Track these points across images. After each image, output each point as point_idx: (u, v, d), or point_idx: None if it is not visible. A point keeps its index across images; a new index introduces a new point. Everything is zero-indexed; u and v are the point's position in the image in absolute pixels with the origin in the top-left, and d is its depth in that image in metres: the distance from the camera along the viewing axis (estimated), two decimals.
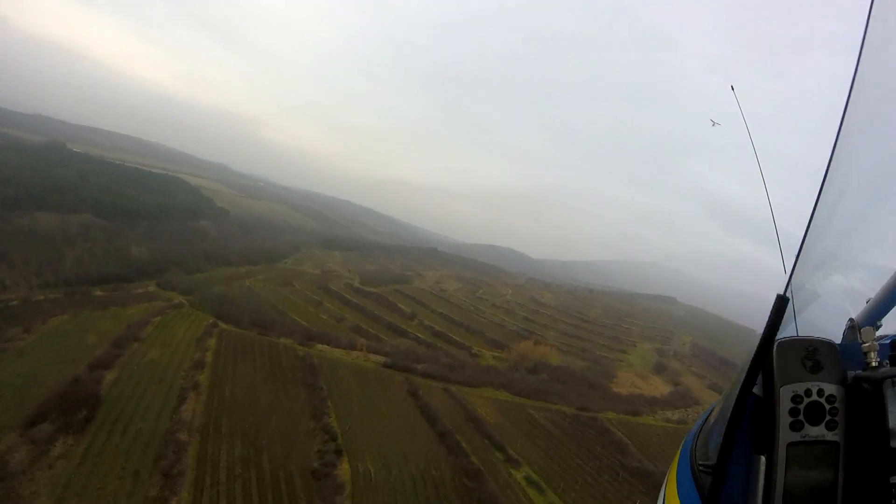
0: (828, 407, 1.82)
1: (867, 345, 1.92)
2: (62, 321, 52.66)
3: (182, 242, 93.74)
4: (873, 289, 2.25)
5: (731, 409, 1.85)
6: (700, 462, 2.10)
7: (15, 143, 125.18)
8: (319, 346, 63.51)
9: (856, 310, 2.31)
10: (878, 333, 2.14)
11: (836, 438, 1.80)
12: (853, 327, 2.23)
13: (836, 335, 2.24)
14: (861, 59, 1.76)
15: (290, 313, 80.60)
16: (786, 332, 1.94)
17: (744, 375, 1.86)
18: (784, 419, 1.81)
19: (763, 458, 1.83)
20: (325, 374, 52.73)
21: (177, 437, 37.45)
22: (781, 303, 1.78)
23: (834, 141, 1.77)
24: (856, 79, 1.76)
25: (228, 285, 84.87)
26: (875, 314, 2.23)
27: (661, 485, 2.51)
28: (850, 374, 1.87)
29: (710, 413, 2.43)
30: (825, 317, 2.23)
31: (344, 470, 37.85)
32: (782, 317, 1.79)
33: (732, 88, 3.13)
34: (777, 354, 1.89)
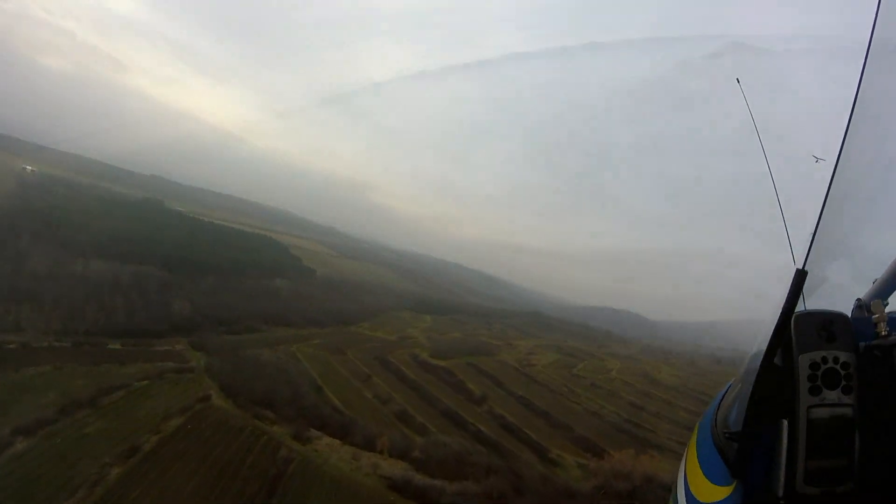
0: (843, 373, 1.93)
1: (877, 316, 2.07)
2: (39, 372, 45.81)
3: (244, 300, 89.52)
4: (879, 270, 2.41)
5: (753, 377, 1.99)
6: (723, 430, 2.24)
7: (109, 197, 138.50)
8: (323, 442, 47.59)
9: (861, 291, 2.45)
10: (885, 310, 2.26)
11: (851, 401, 1.92)
12: (860, 307, 2.40)
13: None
14: (869, 54, 1.87)
15: (326, 389, 66.93)
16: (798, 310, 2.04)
17: (763, 347, 2.00)
18: (803, 385, 1.92)
19: (785, 422, 1.94)
20: (288, 494, 36.37)
21: None
22: (801, 276, 1.88)
23: (844, 132, 1.88)
24: (864, 75, 1.88)
25: (274, 349, 75.77)
26: (881, 294, 2.37)
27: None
28: (862, 344, 2.01)
29: (728, 389, 2.61)
30: (833, 298, 2.30)
31: None
32: (801, 289, 1.90)
33: (738, 81, 3.19)
34: (795, 326, 1.99)
